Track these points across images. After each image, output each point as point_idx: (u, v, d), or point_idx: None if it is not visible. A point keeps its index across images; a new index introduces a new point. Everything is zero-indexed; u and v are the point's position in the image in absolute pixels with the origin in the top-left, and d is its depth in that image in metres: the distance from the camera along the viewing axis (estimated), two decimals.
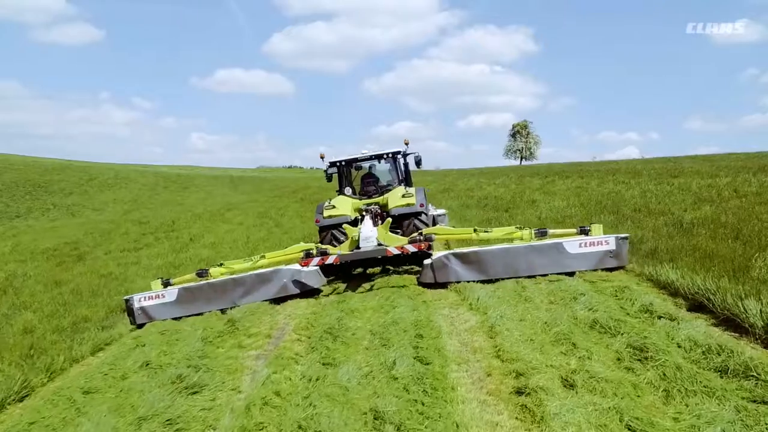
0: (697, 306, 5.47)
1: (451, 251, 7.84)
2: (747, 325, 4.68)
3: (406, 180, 10.76)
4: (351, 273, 9.43)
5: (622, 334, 4.87)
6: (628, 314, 5.45)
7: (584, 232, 7.62)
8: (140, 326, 7.86)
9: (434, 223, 11.55)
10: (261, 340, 6.33)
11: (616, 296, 6.04)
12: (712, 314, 5.19)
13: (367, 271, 9.45)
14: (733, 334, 4.77)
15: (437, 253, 7.92)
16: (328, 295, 7.88)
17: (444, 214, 12.68)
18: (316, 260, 8.25)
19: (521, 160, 77.89)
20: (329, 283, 8.76)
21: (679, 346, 4.51)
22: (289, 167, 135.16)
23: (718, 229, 7.96)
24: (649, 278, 6.55)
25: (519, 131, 79.14)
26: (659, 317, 5.19)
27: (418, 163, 10.77)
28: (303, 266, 8.18)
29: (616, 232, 7.65)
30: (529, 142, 78.31)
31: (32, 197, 47.50)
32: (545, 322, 5.43)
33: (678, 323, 4.95)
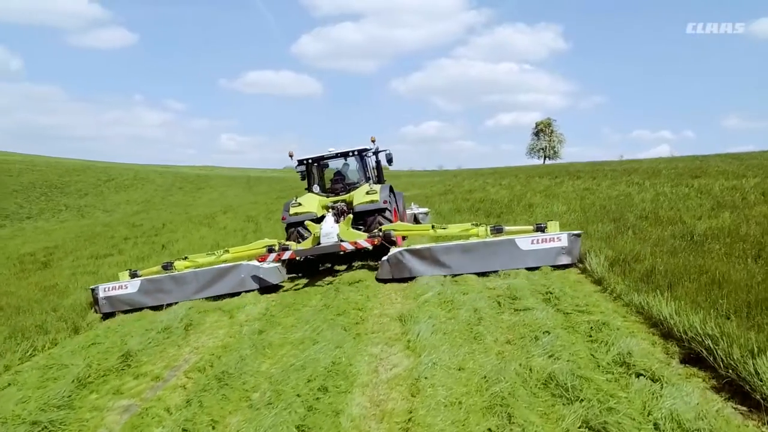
0: (693, 357, 4.01)
1: (406, 248, 7.98)
2: (759, 397, 3.24)
3: (378, 177, 11.01)
4: (317, 269, 9.59)
5: (582, 401, 3.49)
6: (598, 366, 4.04)
7: (540, 229, 7.70)
8: (108, 315, 8.19)
9: (416, 222, 12.46)
10: (146, 384, 5.11)
11: (590, 337, 4.62)
12: (713, 371, 3.75)
13: (334, 267, 9.48)
14: (739, 407, 3.33)
15: (393, 250, 8.03)
16: (247, 323, 6.56)
17: (426, 214, 13.25)
18: (273, 256, 8.51)
19: (545, 159, 75.54)
20: (293, 279, 8.98)
21: (657, 429, 3.11)
22: None
23: (736, 243, 6.42)
24: (639, 310, 5.09)
25: (542, 129, 76.69)
26: (638, 375, 3.77)
27: (389, 160, 10.82)
28: (260, 261, 8.43)
29: (611, 244, 6.94)
30: (553, 141, 75.79)
31: (47, 198, 47.57)
32: (485, 376, 4.06)
33: (662, 387, 3.54)
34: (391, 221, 9.29)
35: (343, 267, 9.37)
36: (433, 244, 8.11)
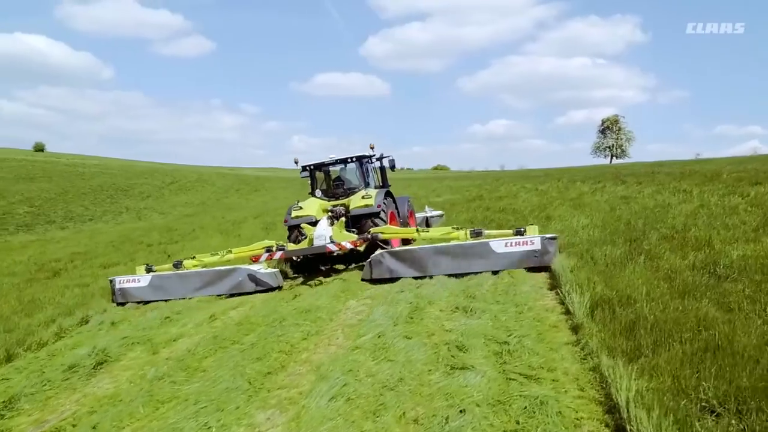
0: None
1: (387, 250, 8.47)
2: None
3: (383, 182, 11.55)
4: (318, 269, 10.17)
5: None
6: None
7: (519, 233, 7.86)
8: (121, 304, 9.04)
9: (427, 225, 13.08)
10: None
11: (517, 424, 3.37)
12: None
13: (334, 266, 10.14)
14: None
15: (377, 252, 8.43)
16: (165, 361, 5.69)
17: (438, 216, 13.55)
18: (265, 256, 9.15)
19: (611, 158, 71.16)
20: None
21: None
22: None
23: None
24: (602, 382, 3.77)
25: (609, 127, 72.23)
26: None
27: (392, 166, 11.24)
28: (254, 261, 9.18)
29: (609, 276, 5.94)
30: (621, 139, 71.18)
31: (112, 201, 49.78)
32: None
33: None
34: (385, 224, 9.65)
35: (343, 266, 10.02)
36: (412, 247, 8.66)
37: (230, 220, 23.45)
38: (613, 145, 71.18)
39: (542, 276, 7.05)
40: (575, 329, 4.87)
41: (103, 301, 8.94)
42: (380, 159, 11.39)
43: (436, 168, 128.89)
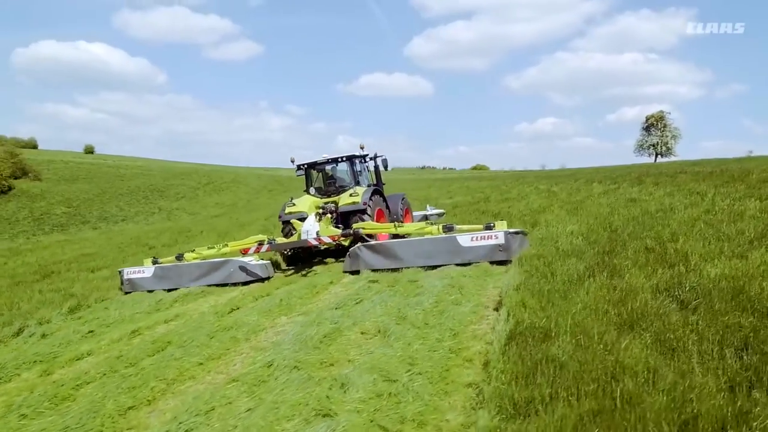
0: None
1: (364, 243, 8.83)
2: None
3: (377, 180, 12.12)
4: (310, 260, 10.81)
5: None
6: None
7: (488, 228, 8.11)
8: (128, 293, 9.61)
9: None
10: None
11: None
12: None
13: (325, 260, 10.71)
14: None
15: (355, 245, 8.87)
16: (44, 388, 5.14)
17: (438, 215, 13.72)
18: (253, 249, 9.76)
19: (656, 156, 67.67)
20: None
21: None
22: (422, 167, 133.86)
23: (732, 314, 3.87)
24: None
25: (653, 124, 68.61)
26: None
27: (385, 166, 11.98)
28: (243, 253, 9.77)
29: (549, 299, 5.10)
30: (666, 136, 67.46)
31: (147, 201, 50.91)
32: None
33: None
34: (372, 220, 10.17)
35: (332, 260, 10.60)
36: (385, 240, 9.17)
37: (242, 221, 23.21)
38: (657, 143, 67.49)
39: (495, 292, 6.16)
40: (486, 365, 4.02)
41: (48, 311, 8.54)
42: (374, 158, 12.03)
43: (474, 168, 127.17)
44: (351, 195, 10.48)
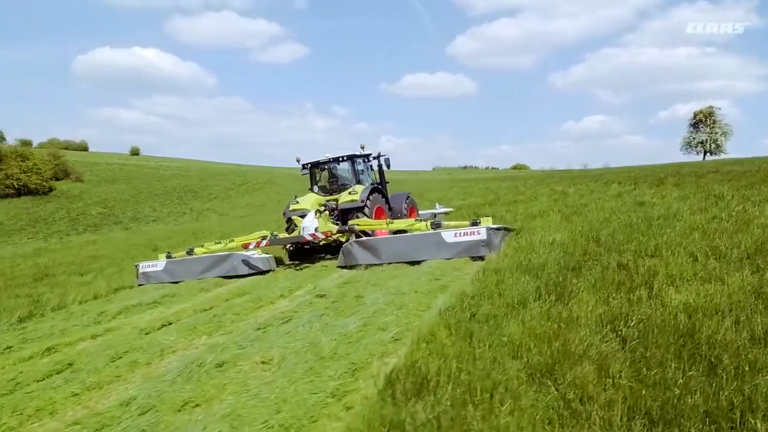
0: None
1: (355, 239, 9.11)
2: None
3: (380, 179, 12.41)
4: (310, 255, 11.26)
5: None
6: None
7: (474, 224, 8.36)
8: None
9: None
10: None
11: None
12: None
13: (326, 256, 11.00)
14: None
15: (348, 241, 9.20)
16: None
17: (445, 213, 13.95)
18: (253, 244, 10.19)
19: (704, 154, 63.89)
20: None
21: None
22: (464, 167, 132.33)
23: (685, 363, 2.93)
24: None
25: (702, 120, 64.79)
26: None
27: (387, 165, 12.29)
28: (245, 248, 10.20)
29: (451, 342, 4.23)
30: (715, 133, 63.54)
31: (180, 202, 51.80)
32: None
33: None
34: (369, 217, 10.45)
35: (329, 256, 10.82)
36: (375, 237, 9.32)
37: (260, 222, 22.92)
38: (706, 140, 63.62)
39: (432, 314, 5.31)
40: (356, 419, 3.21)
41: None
42: (377, 158, 12.39)
43: (514, 167, 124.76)
44: (350, 193, 10.84)
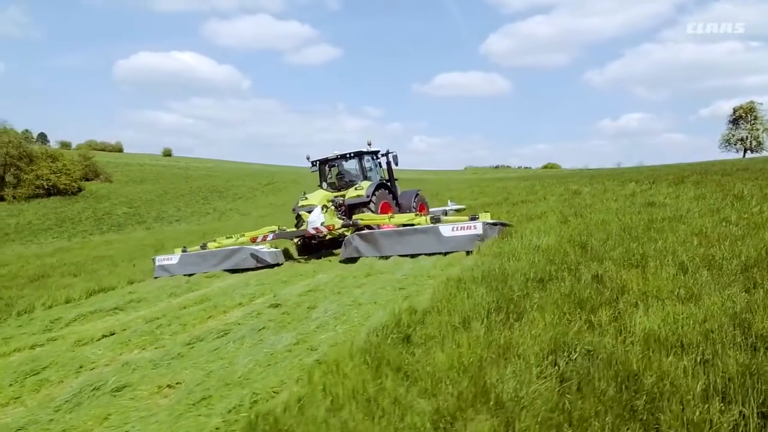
0: None
1: (357, 233, 9.27)
2: None
3: (389, 175, 12.68)
4: (318, 250, 11.35)
5: None
6: None
7: (473, 219, 8.45)
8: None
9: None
10: None
11: None
12: None
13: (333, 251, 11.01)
14: None
15: (349, 235, 9.40)
16: None
17: (457, 211, 13.93)
18: (260, 237, 10.51)
19: (744, 151, 60.81)
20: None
21: None
22: (496, 167, 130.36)
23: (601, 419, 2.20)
24: None
25: (742, 116, 61.64)
26: None
27: (395, 162, 12.56)
28: (252, 242, 10.52)
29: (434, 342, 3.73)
30: (756, 129, 60.27)
31: (204, 202, 52.10)
32: None
33: None
34: (375, 213, 10.73)
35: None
36: (375, 231, 9.41)
37: (275, 222, 22.56)
38: (746, 137, 60.51)
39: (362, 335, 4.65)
40: None
41: None
42: (386, 155, 12.63)
43: (546, 166, 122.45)
44: (356, 189, 11.18)
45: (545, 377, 2.86)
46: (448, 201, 15.38)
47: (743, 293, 3.56)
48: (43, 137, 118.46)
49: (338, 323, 5.01)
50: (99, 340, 6.02)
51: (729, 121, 63.08)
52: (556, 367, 2.94)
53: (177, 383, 4.06)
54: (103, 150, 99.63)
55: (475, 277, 5.29)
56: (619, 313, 3.50)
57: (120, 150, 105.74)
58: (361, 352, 3.49)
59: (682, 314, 3.19)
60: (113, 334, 6.21)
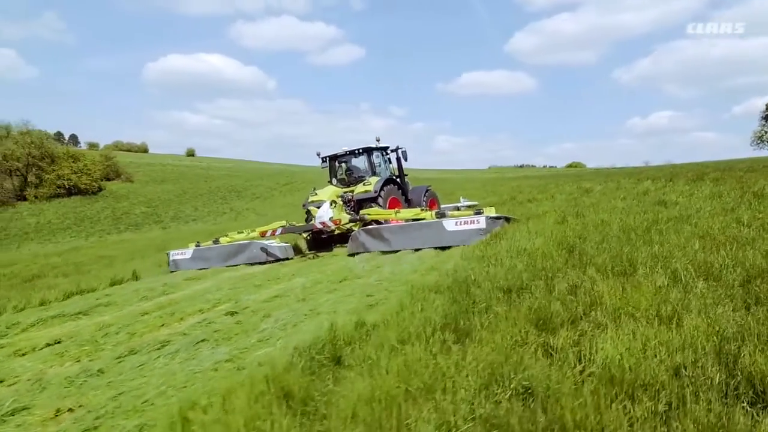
0: None
1: (363, 228, 9.50)
2: None
3: (399, 171, 12.58)
4: (327, 244, 11.33)
5: None
6: None
7: (478, 213, 8.49)
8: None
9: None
10: None
11: None
12: None
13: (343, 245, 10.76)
14: None
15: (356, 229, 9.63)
16: None
17: (468, 206, 13.74)
18: (269, 232, 10.58)
19: None
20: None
21: None
22: (520, 166, 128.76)
23: None
24: None
25: None
26: None
27: (405, 158, 12.45)
28: (261, 236, 10.63)
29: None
30: None
31: (222, 202, 52.19)
32: None
33: None
34: (383, 208, 10.76)
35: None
36: (380, 225, 9.50)
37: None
38: None
39: (307, 338, 4.07)
40: None
41: None
42: (395, 151, 12.65)
43: (570, 165, 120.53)
44: (365, 184, 11.35)
45: (472, 419, 2.25)
46: (461, 197, 15.51)
47: (741, 310, 2.87)
48: (74, 139, 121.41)
49: (283, 336, 4.44)
50: (41, 349, 5.56)
51: (762, 117, 60.57)
52: (494, 403, 2.33)
53: (79, 406, 3.56)
54: (129, 150, 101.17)
55: (440, 285, 4.67)
56: (581, 335, 2.85)
57: (145, 150, 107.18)
58: (266, 379, 2.91)
59: (655, 340, 2.52)
60: (58, 342, 5.74)
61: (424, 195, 12.89)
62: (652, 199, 9.03)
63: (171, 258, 11.25)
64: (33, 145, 43.27)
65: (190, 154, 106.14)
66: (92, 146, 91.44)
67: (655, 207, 7.97)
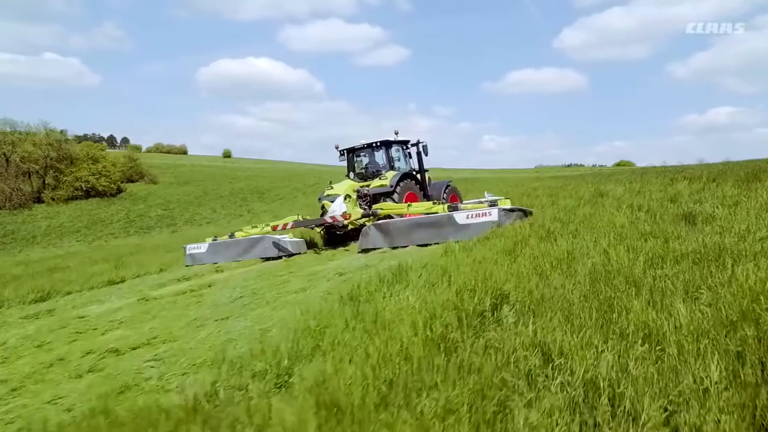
0: None
1: (373, 223, 9.37)
2: None
3: (419, 165, 12.58)
4: (342, 240, 11.38)
5: None
6: None
7: (493, 206, 8.34)
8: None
9: None
10: None
11: None
12: None
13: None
14: None
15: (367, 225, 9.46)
16: None
17: (493, 201, 13.34)
18: (280, 226, 10.97)
19: None
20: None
21: None
22: (568, 165, 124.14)
23: None
24: None
25: None
26: None
27: (426, 152, 12.51)
28: (273, 230, 11.04)
29: None
30: None
31: (243, 203, 50.74)
32: None
33: None
34: (399, 203, 10.75)
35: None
36: (390, 220, 9.42)
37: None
38: None
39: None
40: None
41: None
42: (416, 144, 12.53)
43: (617, 164, 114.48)
44: (381, 179, 11.31)
45: None
46: (485, 193, 15.31)
47: None
48: (125, 141, 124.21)
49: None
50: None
51: None
52: None
53: None
54: (168, 152, 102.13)
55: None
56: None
57: (184, 152, 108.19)
58: None
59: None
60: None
61: (445, 190, 12.67)
62: (678, 210, 6.03)
63: (187, 252, 11.48)
64: (51, 147, 42.72)
65: (227, 155, 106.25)
66: (135, 149, 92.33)
67: (674, 225, 5.04)
